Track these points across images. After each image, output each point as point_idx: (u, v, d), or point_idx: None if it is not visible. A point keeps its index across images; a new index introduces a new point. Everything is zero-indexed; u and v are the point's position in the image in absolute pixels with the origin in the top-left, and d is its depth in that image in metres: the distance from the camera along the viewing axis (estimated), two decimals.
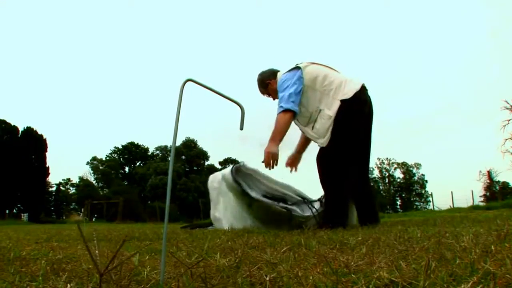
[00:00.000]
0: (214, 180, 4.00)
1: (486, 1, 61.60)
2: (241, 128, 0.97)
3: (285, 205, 3.22)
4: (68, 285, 0.83)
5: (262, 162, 3.00)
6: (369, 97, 3.11)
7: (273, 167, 3.01)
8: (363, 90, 3.01)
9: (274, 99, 3.34)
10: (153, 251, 1.48)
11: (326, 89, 2.99)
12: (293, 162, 3.46)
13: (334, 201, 2.94)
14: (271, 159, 2.95)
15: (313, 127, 3.02)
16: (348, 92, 2.93)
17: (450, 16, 61.50)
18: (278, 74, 3.28)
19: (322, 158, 3.03)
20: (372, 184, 3.32)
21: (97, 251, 0.93)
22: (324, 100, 2.98)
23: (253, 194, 3.10)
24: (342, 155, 2.95)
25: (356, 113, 2.95)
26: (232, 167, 3.23)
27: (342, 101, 2.90)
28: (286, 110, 2.94)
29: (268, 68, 3.45)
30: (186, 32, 63.51)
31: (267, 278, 0.84)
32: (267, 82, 3.34)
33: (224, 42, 64.36)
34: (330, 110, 2.94)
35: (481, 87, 55.82)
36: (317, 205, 3.34)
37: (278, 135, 2.96)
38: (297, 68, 3.09)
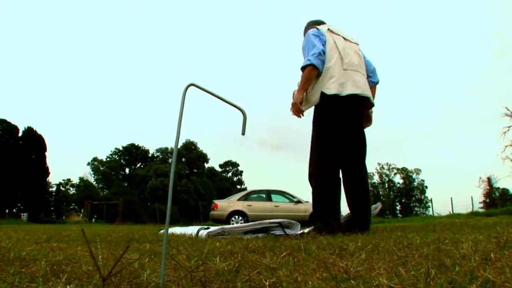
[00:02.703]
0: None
1: (488, 5, 61.73)
2: (243, 133, 0.96)
3: (274, 221, 3.04)
4: (68, 286, 0.83)
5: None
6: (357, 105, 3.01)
7: (300, 115, 3.07)
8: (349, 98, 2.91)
9: None
10: (152, 253, 1.48)
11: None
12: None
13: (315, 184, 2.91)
14: (296, 110, 3.03)
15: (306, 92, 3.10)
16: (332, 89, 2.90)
17: (451, 20, 61.65)
18: (321, 26, 3.25)
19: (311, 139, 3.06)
20: (371, 189, 3.21)
21: (100, 256, 0.93)
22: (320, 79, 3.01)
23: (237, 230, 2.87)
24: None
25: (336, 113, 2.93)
26: (198, 232, 2.90)
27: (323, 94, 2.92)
28: (312, 66, 2.94)
29: (318, 19, 3.40)
30: (189, 36, 63.65)
31: (267, 283, 0.84)
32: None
33: (227, 47, 64.48)
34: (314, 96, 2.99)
35: (482, 93, 55.83)
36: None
37: (303, 87, 3.00)
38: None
